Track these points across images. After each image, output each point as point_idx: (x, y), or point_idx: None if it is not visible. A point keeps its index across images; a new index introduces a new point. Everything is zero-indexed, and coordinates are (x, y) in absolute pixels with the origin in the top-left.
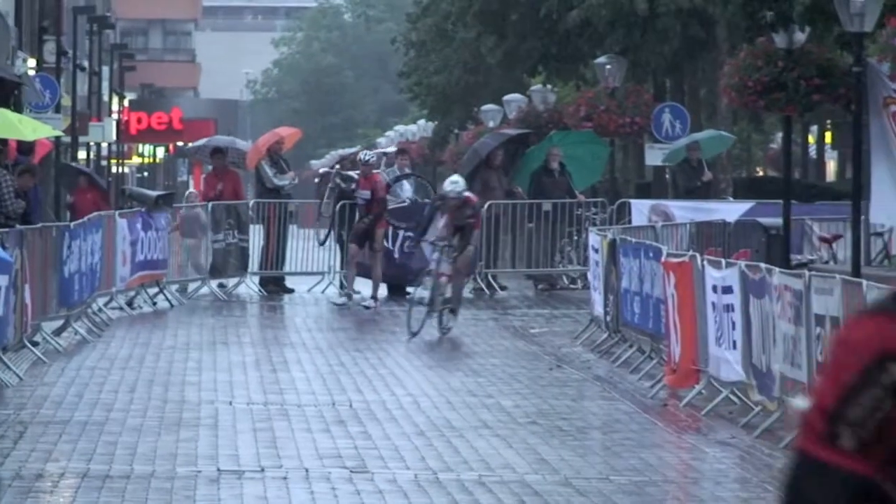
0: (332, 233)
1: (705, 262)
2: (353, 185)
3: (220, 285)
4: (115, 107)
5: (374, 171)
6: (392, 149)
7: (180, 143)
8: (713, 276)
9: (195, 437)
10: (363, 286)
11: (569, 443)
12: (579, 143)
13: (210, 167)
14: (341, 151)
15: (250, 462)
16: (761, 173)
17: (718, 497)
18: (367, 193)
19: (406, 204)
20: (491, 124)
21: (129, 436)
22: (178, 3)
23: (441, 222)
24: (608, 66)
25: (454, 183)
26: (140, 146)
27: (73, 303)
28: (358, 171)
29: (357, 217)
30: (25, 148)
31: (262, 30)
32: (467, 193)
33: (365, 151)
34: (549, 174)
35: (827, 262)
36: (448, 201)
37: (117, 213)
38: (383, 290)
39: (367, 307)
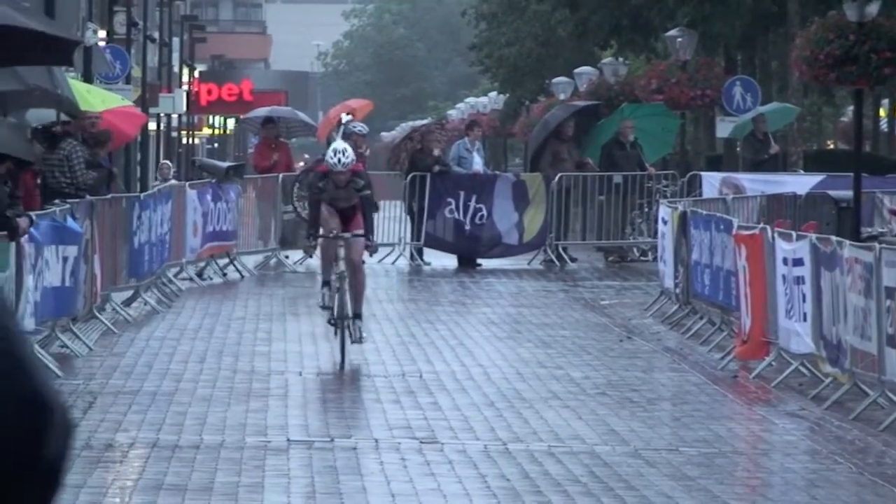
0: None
1: (776, 235)
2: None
3: (286, 257)
4: (185, 78)
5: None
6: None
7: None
8: (784, 248)
9: (265, 407)
10: (434, 257)
11: (638, 414)
12: (650, 116)
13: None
14: (412, 123)
15: (320, 432)
16: (832, 146)
17: (788, 469)
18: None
19: (477, 173)
20: (562, 97)
21: (198, 406)
22: None
23: (324, 210)
24: (679, 39)
25: (338, 152)
26: (210, 117)
27: (143, 273)
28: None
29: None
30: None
31: (333, 1)
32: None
33: (355, 122)
34: (621, 147)
35: None
36: (333, 179)
37: (188, 184)
38: (452, 262)
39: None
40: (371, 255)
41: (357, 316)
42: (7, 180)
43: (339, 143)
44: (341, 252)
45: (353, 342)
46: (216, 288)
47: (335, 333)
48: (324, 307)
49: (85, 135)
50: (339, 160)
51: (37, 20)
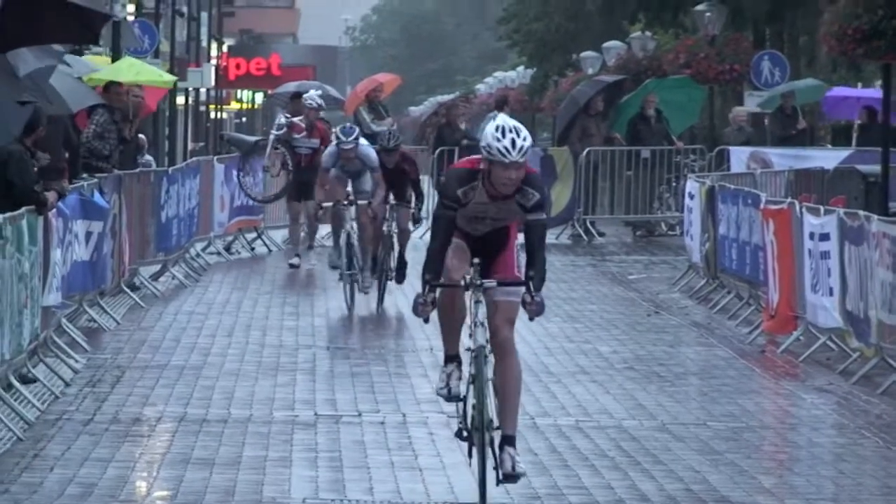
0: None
1: (804, 210)
2: (293, 133)
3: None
4: (213, 52)
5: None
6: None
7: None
8: (811, 223)
9: (292, 381)
10: None
11: (666, 388)
12: (675, 88)
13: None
14: (439, 98)
15: (347, 407)
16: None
17: (815, 443)
18: (315, 142)
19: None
20: (590, 71)
21: (226, 380)
22: None
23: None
24: (708, 14)
25: (508, 131)
26: (238, 92)
27: (171, 248)
28: (301, 117)
29: (293, 168)
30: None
31: None
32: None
33: (312, 94)
34: (646, 121)
35: None
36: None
37: (215, 158)
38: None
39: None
40: (531, 319)
41: (509, 441)
42: (34, 153)
43: (505, 119)
44: (480, 311)
45: (503, 479)
46: (244, 262)
47: (468, 453)
48: (447, 394)
49: (115, 108)
50: (514, 142)
51: None
